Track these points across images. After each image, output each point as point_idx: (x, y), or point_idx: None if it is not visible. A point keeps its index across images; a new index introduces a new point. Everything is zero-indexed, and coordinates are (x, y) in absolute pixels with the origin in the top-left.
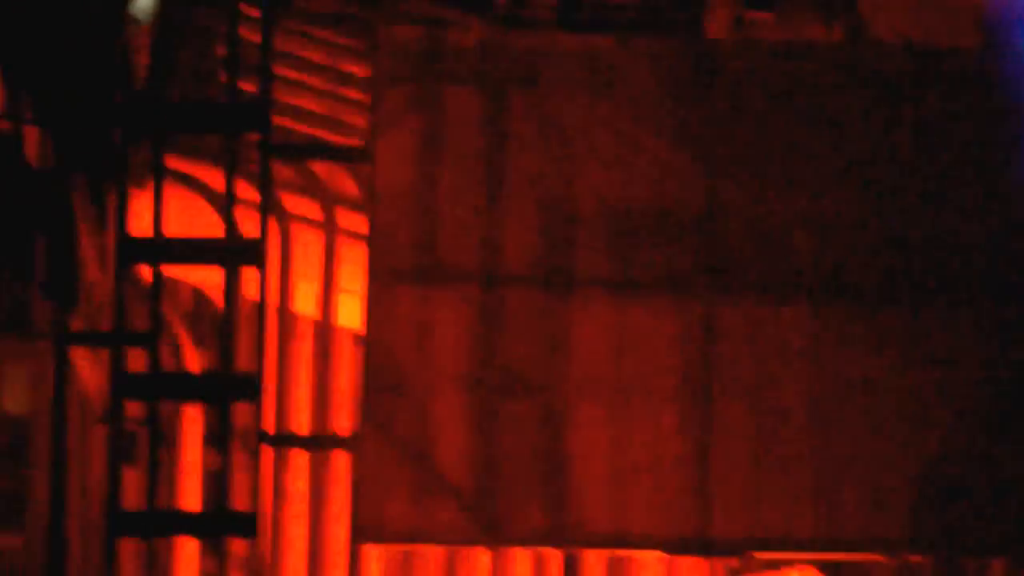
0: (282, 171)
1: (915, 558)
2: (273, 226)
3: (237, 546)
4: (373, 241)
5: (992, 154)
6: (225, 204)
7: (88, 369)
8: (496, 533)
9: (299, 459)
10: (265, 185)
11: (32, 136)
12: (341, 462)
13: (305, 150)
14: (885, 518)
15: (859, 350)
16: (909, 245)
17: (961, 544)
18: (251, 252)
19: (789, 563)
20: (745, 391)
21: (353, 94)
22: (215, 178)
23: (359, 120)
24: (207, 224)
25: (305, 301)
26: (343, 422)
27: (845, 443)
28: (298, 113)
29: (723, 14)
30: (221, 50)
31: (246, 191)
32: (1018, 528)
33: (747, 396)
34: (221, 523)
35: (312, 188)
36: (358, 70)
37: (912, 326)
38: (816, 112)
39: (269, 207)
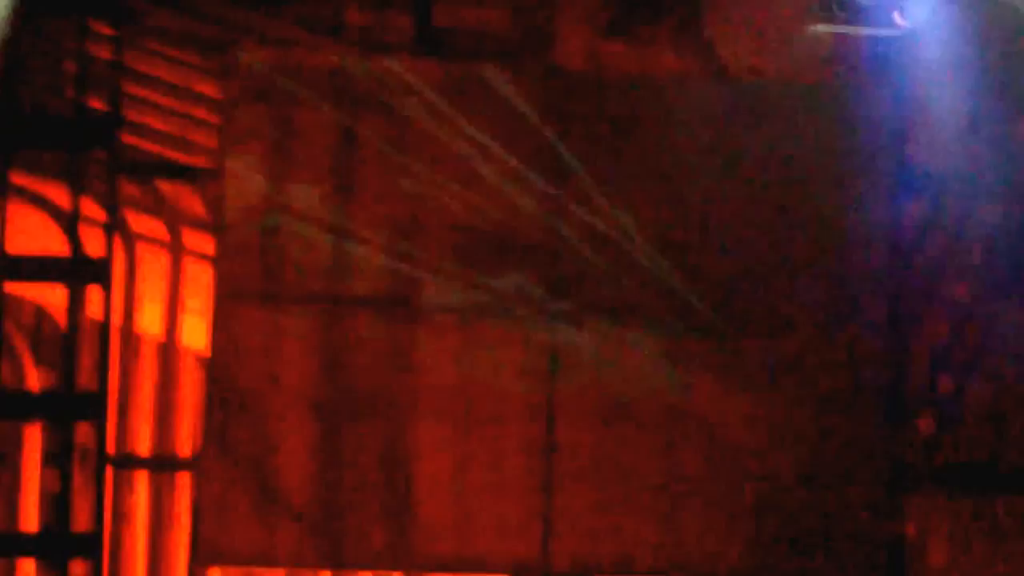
0: (129, 189)
1: None
2: (118, 245)
3: (78, 568)
4: (220, 261)
5: (836, 185)
6: (70, 222)
7: None
8: (339, 557)
9: (141, 480)
10: (111, 203)
11: None
12: (184, 483)
13: (152, 169)
14: (727, 546)
15: (706, 377)
16: (757, 273)
17: (800, 574)
18: (96, 271)
19: None
20: (590, 416)
21: (202, 114)
22: (60, 195)
23: (208, 140)
24: (51, 241)
25: (150, 321)
26: (186, 443)
27: (689, 470)
28: (146, 131)
29: (576, 42)
30: (70, 66)
31: (92, 209)
32: (857, 559)
33: (592, 421)
34: (61, 544)
35: (159, 207)
36: (208, 90)
37: (758, 355)
38: (665, 141)
39: (115, 226)
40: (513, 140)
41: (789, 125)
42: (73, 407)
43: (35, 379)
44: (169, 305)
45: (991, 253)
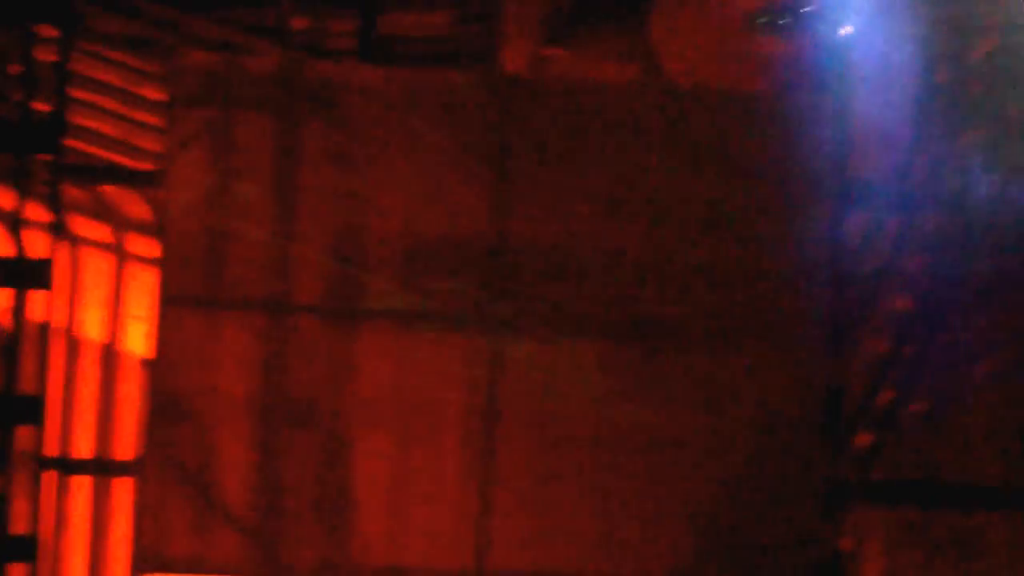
0: (73, 193)
1: None
2: (62, 248)
3: (16, 571)
4: (163, 266)
5: (776, 195)
6: (14, 224)
7: None
8: (276, 564)
9: (81, 484)
10: (55, 207)
11: None
12: (124, 488)
13: (97, 173)
14: (666, 559)
15: (642, 387)
16: (695, 284)
17: None
18: (39, 273)
19: None
20: (530, 426)
21: (147, 118)
22: (4, 198)
23: (152, 144)
24: None
25: (92, 325)
26: (127, 448)
27: (626, 484)
28: (91, 135)
29: (520, 49)
30: (15, 69)
31: (36, 212)
32: (792, 570)
33: (532, 431)
34: (0, 548)
35: (103, 211)
36: (153, 94)
37: (696, 366)
38: (607, 148)
39: (59, 229)
40: (455, 145)
41: (730, 134)
42: (13, 410)
43: None
44: (112, 309)
45: (931, 265)
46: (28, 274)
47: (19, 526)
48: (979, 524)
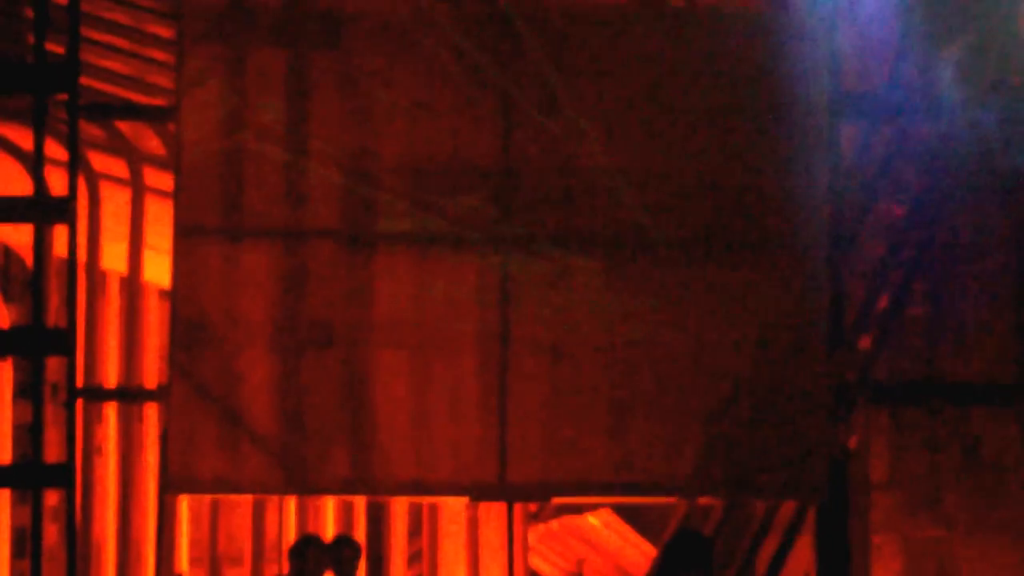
0: (90, 130)
1: (705, 501)
2: (81, 184)
3: (51, 497)
4: (179, 198)
5: (772, 109)
6: (34, 163)
7: None
8: (302, 482)
9: (110, 412)
10: (73, 144)
11: None
12: (151, 414)
13: (112, 110)
14: (677, 464)
15: (652, 301)
16: (696, 198)
17: (748, 487)
18: (60, 210)
19: (587, 507)
20: (542, 341)
21: (159, 55)
22: (24, 137)
23: (165, 80)
24: (16, 182)
25: (114, 258)
26: (152, 375)
27: (637, 393)
28: (105, 74)
29: None
30: (29, 12)
31: (55, 150)
32: (802, 473)
33: (544, 345)
34: (35, 475)
35: (119, 147)
36: (163, 31)
37: (702, 279)
38: (608, 70)
39: (77, 166)
40: (462, 69)
41: (725, 51)
42: (42, 343)
43: (4, 317)
44: (132, 242)
45: (926, 173)
46: (50, 211)
47: (52, 454)
48: (980, 420)
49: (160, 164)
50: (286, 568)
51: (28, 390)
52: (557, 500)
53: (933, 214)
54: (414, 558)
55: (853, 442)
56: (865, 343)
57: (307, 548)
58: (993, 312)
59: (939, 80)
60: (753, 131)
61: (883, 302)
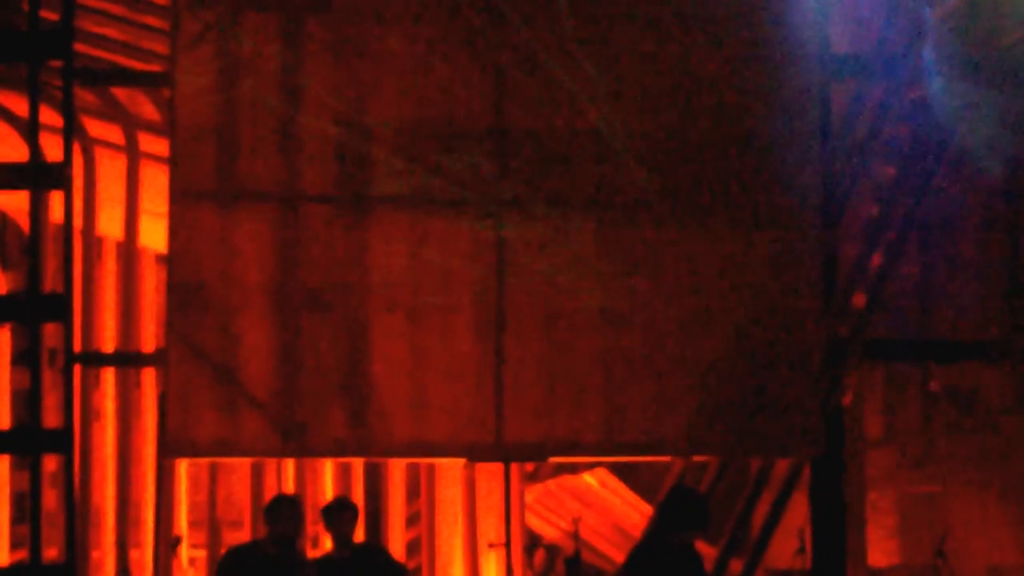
0: (85, 97)
1: (700, 458)
2: (77, 151)
3: (50, 462)
4: (174, 163)
5: (764, 70)
6: (29, 129)
7: None
8: (300, 445)
9: (108, 376)
10: (68, 110)
11: None
12: (149, 379)
13: (107, 76)
14: (671, 423)
15: (645, 263)
16: (691, 159)
17: (743, 445)
18: (56, 176)
19: (583, 466)
20: (537, 302)
21: (153, 21)
22: (19, 104)
23: (159, 46)
24: (12, 148)
25: (110, 223)
26: (149, 340)
27: (631, 352)
28: (100, 40)
29: None
30: None
31: (50, 116)
32: (796, 430)
33: (539, 306)
34: (34, 440)
35: (114, 113)
36: None
37: (694, 240)
38: (597, 32)
39: (72, 132)
40: (451, 33)
41: (718, 16)
42: (40, 308)
43: (2, 283)
44: (128, 207)
45: (917, 133)
46: (46, 177)
47: (50, 420)
48: (972, 377)
49: (155, 130)
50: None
51: (26, 356)
52: (553, 460)
53: (925, 174)
54: (412, 519)
55: (847, 399)
56: (858, 301)
57: (279, 507)
58: (983, 269)
59: (930, 40)
60: (747, 94)
61: (876, 261)
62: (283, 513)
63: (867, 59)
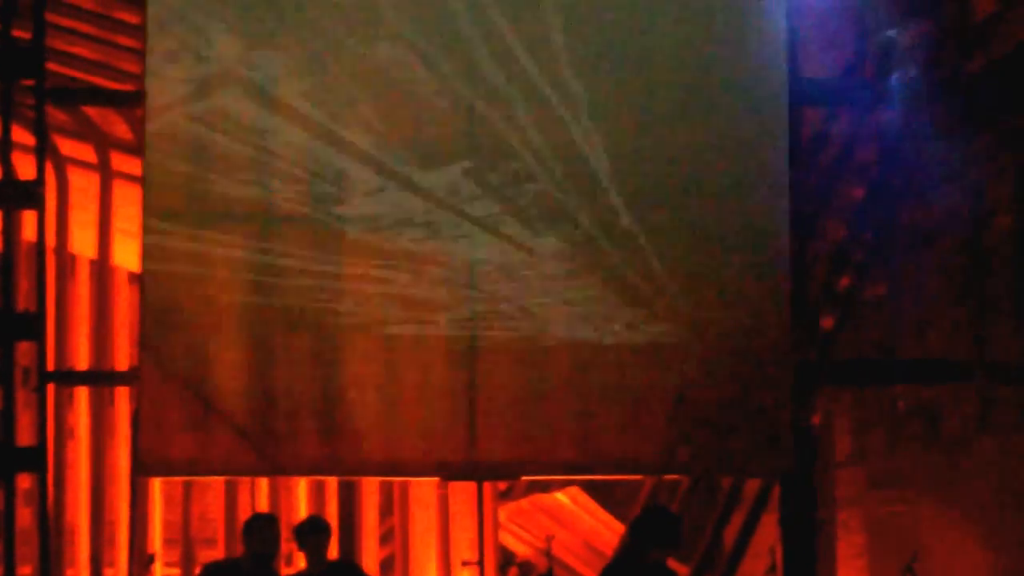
0: (57, 116)
1: (672, 478)
2: (49, 169)
3: (24, 481)
4: (147, 182)
5: (733, 93)
6: (1, 148)
7: None
8: (273, 463)
9: (81, 395)
10: (40, 129)
11: None
12: (122, 397)
13: (79, 95)
14: (643, 442)
15: (617, 286)
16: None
17: (714, 465)
18: (28, 194)
19: (556, 485)
20: (509, 321)
21: (125, 40)
22: None
23: (131, 66)
24: None
25: (83, 242)
26: (123, 359)
27: (604, 372)
28: (72, 59)
29: None
30: None
31: (22, 135)
32: (766, 450)
33: (511, 326)
34: (7, 459)
35: (87, 132)
36: (130, 17)
37: (664, 261)
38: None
39: (45, 151)
40: (430, 44)
41: (688, 38)
42: (13, 327)
43: None
44: (100, 226)
45: (885, 156)
46: (18, 195)
47: (24, 438)
48: (939, 397)
49: (128, 148)
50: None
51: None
52: (526, 478)
53: (892, 197)
54: (386, 536)
55: (816, 420)
56: (827, 323)
57: (257, 525)
58: (950, 291)
59: (898, 65)
60: (713, 116)
61: (844, 283)
62: (261, 531)
63: (836, 83)
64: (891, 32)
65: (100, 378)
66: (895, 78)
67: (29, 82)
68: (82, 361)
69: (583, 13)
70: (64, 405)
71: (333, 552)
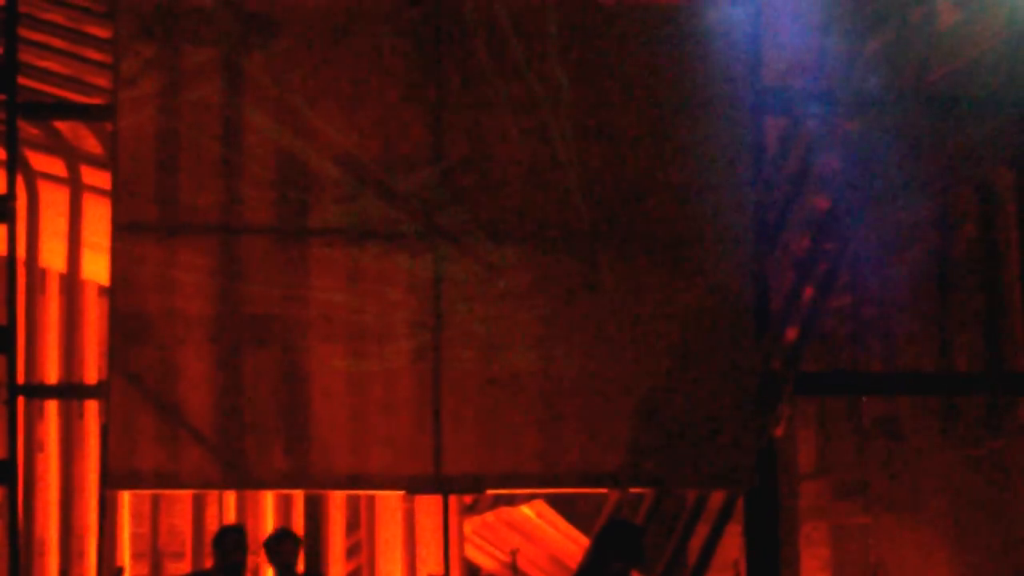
0: (28, 130)
1: (636, 491)
2: (20, 183)
3: None
4: (116, 196)
5: (697, 104)
6: None
7: None
8: (240, 476)
9: (51, 408)
10: (12, 143)
11: None
12: (92, 411)
13: (50, 109)
14: (608, 455)
15: (579, 293)
16: (625, 194)
17: (678, 478)
18: (0, 209)
19: (521, 498)
20: (475, 335)
21: (96, 55)
22: None
23: (101, 80)
24: None
25: (53, 255)
26: (92, 372)
27: (569, 384)
28: (43, 74)
29: None
30: None
31: None
32: (730, 463)
33: (477, 340)
34: None
35: (57, 146)
36: (100, 32)
37: (628, 273)
38: (534, 66)
39: (16, 165)
40: (391, 69)
41: (650, 48)
42: None
43: None
44: (70, 240)
45: (850, 166)
46: None
47: None
48: (904, 409)
49: (98, 163)
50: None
51: None
52: (491, 492)
53: (857, 207)
54: (353, 550)
55: (780, 432)
56: (791, 335)
57: (226, 537)
58: (916, 303)
59: (862, 74)
60: (677, 126)
61: (808, 294)
62: (230, 543)
63: (800, 92)
64: (856, 40)
65: (69, 392)
66: (860, 85)
67: (1, 97)
68: (52, 374)
69: (547, 30)
70: (34, 418)
71: (300, 566)
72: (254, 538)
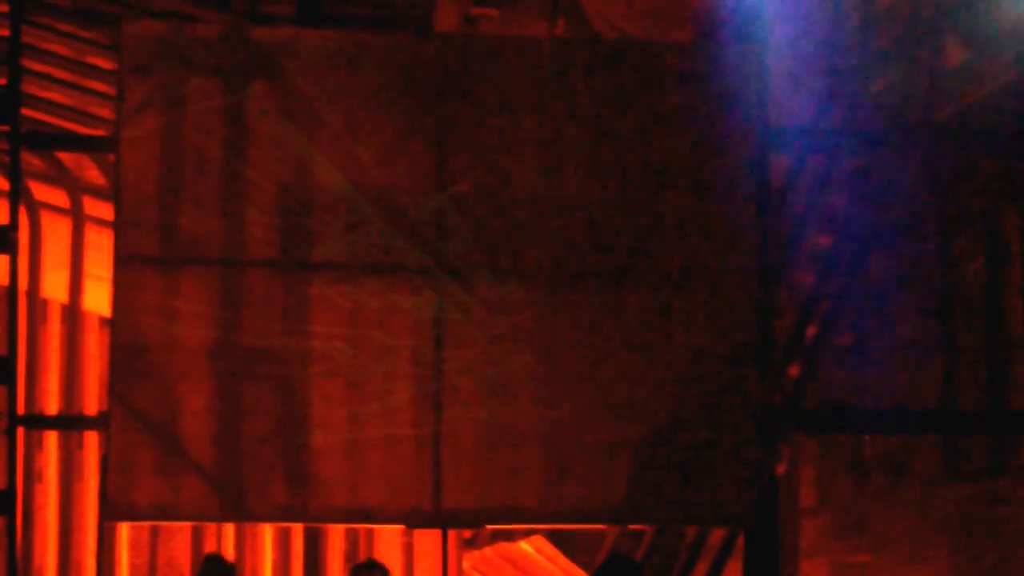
0: (31, 160)
1: (636, 527)
2: (23, 214)
3: None
4: (118, 227)
5: (702, 141)
6: None
7: None
8: (239, 509)
9: (51, 439)
10: (15, 174)
11: None
12: (91, 442)
13: (53, 140)
14: (608, 491)
15: (583, 331)
16: (629, 228)
17: (678, 514)
18: (1, 239)
19: (520, 534)
20: (476, 370)
21: (98, 86)
22: None
23: (105, 111)
24: None
25: (54, 286)
26: (93, 403)
27: (570, 419)
28: (46, 105)
29: (452, 10)
30: None
31: None
32: (730, 499)
33: (478, 375)
34: None
35: (60, 177)
36: (103, 62)
37: (634, 306)
38: (539, 103)
39: (19, 196)
40: (395, 103)
41: (656, 84)
42: None
43: None
44: (72, 270)
45: (853, 204)
46: None
47: None
48: (906, 446)
49: (100, 194)
50: None
51: None
52: (491, 527)
53: (860, 245)
54: None
55: (781, 469)
56: (794, 371)
57: (209, 566)
58: (918, 341)
59: (867, 113)
60: (684, 162)
61: (811, 331)
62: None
63: (805, 130)
64: (862, 78)
65: (70, 422)
66: (865, 125)
67: (4, 127)
68: (52, 405)
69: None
70: (33, 449)
71: None
72: (252, 571)
